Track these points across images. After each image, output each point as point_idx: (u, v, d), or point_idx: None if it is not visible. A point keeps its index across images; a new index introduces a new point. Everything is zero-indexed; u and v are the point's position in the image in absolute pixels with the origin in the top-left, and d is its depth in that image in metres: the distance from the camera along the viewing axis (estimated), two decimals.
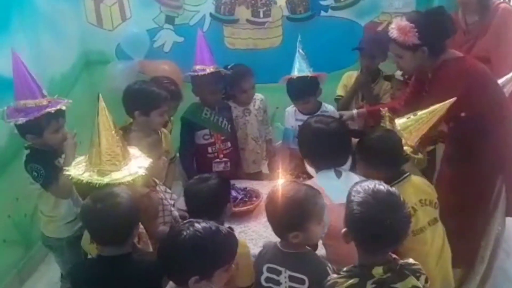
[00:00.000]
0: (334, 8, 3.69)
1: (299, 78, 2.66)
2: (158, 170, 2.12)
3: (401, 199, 1.46)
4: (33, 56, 2.98)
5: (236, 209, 2.31)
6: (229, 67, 2.96)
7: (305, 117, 2.49)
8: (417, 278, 1.46)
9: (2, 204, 2.74)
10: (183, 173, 2.87)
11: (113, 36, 3.79)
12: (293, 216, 1.62)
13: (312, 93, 2.69)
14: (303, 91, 2.68)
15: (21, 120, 2.07)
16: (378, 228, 1.39)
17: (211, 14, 3.74)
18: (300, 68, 2.69)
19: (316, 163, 2.08)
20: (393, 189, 1.49)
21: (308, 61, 2.74)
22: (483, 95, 2.16)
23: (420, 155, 2.02)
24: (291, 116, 2.87)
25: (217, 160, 2.83)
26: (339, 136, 2.07)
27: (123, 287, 1.60)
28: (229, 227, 1.65)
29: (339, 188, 1.79)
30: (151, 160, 1.85)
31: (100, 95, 1.78)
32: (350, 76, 3.21)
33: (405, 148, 1.99)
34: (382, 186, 1.48)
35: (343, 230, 1.51)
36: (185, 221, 1.56)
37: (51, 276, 2.95)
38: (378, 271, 1.42)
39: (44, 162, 2.17)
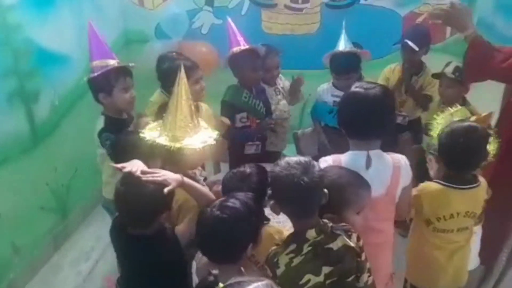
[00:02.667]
0: None
1: (343, 53, 2.74)
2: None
3: (312, 163, 1.52)
4: (77, 32, 3.08)
5: None
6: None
7: (341, 93, 2.28)
8: (349, 237, 1.54)
9: (41, 173, 2.85)
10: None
11: (153, 15, 3.86)
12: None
13: (356, 68, 2.72)
14: (347, 65, 2.71)
15: (93, 75, 2.22)
16: (290, 191, 1.48)
17: None
18: (345, 45, 2.77)
19: (351, 134, 1.82)
20: (308, 159, 1.54)
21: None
22: None
23: None
24: (327, 92, 2.90)
25: (250, 142, 2.84)
26: (379, 103, 1.76)
27: (148, 264, 1.67)
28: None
29: None
30: (217, 132, 1.92)
31: (182, 66, 1.87)
32: (391, 69, 3.17)
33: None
34: (295, 158, 1.55)
35: (271, 202, 1.57)
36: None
37: (84, 244, 3.10)
38: (311, 234, 1.50)
39: (118, 132, 2.23)
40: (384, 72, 3.18)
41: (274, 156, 2.69)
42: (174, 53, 2.70)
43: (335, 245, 1.52)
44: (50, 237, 2.98)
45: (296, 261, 1.51)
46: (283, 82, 3.05)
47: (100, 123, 2.31)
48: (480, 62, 2.18)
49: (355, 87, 1.82)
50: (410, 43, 2.88)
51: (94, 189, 3.40)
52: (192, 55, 3.25)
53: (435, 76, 2.84)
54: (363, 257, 1.58)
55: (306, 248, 1.51)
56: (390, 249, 1.89)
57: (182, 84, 1.83)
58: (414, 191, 1.89)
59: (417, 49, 2.88)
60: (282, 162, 1.53)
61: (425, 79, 3.01)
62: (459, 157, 1.83)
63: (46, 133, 2.86)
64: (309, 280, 1.50)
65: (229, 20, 2.81)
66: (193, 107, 1.86)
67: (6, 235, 2.55)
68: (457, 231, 1.90)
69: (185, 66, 2.39)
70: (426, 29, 2.96)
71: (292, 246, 1.52)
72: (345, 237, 1.54)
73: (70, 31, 3.05)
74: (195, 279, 1.78)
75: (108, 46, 2.35)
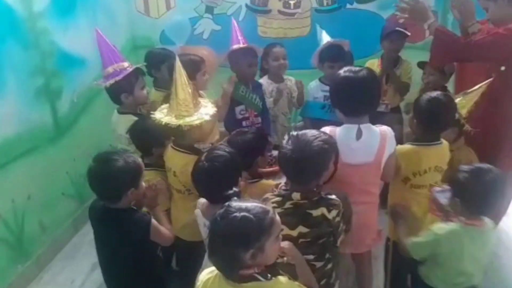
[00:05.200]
0: (359, 1, 4.05)
1: (330, 45, 3.08)
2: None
3: (312, 143, 1.78)
4: (91, 37, 3.41)
5: (264, 170, 2.67)
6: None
7: None
8: (329, 210, 1.79)
9: (62, 162, 3.19)
10: None
11: (158, 23, 4.25)
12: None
13: (342, 58, 3.03)
14: (335, 54, 3.03)
15: (118, 78, 2.47)
16: (289, 162, 1.78)
17: (246, 5, 4.14)
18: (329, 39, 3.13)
19: (345, 111, 2.11)
20: (311, 133, 1.83)
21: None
22: None
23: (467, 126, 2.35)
24: (317, 89, 3.20)
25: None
26: (367, 83, 2.08)
27: (115, 233, 1.94)
28: None
29: (353, 150, 2.05)
30: (216, 109, 2.30)
31: (177, 57, 2.24)
32: (372, 64, 3.51)
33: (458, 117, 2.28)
34: (306, 131, 1.85)
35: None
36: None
37: None
38: (296, 196, 1.79)
39: None
40: (366, 65, 3.52)
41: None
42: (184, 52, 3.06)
43: (315, 212, 1.79)
44: (70, 220, 3.31)
45: (277, 211, 1.75)
46: (291, 82, 3.29)
47: (126, 121, 2.53)
48: (445, 44, 2.48)
49: (345, 72, 2.13)
50: (401, 29, 3.25)
51: None
52: None
53: (420, 65, 3.17)
54: (337, 229, 1.84)
55: (287, 205, 1.80)
56: (376, 208, 2.20)
57: (178, 72, 2.18)
58: None
59: (408, 34, 3.26)
60: (291, 136, 1.83)
61: (402, 70, 3.38)
62: (429, 118, 2.22)
63: (66, 127, 3.21)
64: (282, 230, 1.71)
65: (234, 22, 3.13)
66: (191, 90, 2.21)
67: (35, 214, 2.89)
68: (430, 186, 2.24)
69: (195, 60, 2.78)
70: (404, 27, 3.34)
71: (278, 199, 1.83)
72: (325, 209, 1.80)
73: (86, 36, 3.40)
74: None
75: (118, 49, 2.65)
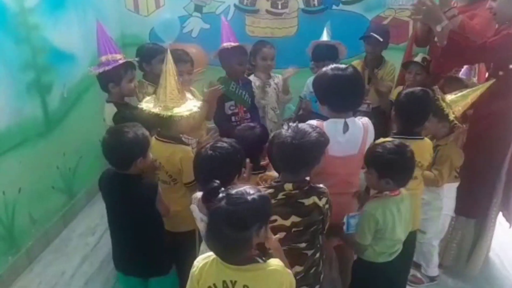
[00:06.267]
0: (344, 3, 4.16)
1: (324, 44, 3.18)
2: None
3: (306, 133, 1.86)
4: (81, 33, 3.49)
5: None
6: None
7: None
8: (319, 198, 1.89)
9: (52, 156, 3.23)
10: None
11: (148, 21, 4.31)
12: None
13: (333, 58, 3.11)
14: (325, 54, 3.13)
15: (108, 68, 2.56)
16: (283, 152, 1.86)
17: (235, 5, 4.23)
18: (327, 38, 3.25)
19: (333, 107, 2.21)
20: (304, 126, 1.91)
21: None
22: None
23: (462, 125, 2.45)
24: (311, 85, 3.30)
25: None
26: (354, 80, 2.21)
27: (126, 196, 2.06)
28: None
29: (340, 143, 2.14)
30: (201, 102, 2.38)
31: (169, 49, 2.33)
32: (356, 64, 3.61)
33: (450, 116, 2.38)
34: (296, 125, 1.93)
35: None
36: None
37: (90, 221, 3.48)
38: (288, 186, 1.87)
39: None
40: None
41: None
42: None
43: (307, 201, 1.87)
44: (60, 213, 3.34)
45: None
46: (278, 78, 3.40)
47: (111, 110, 2.64)
48: (459, 46, 2.49)
49: (332, 70, 2.24)
50: (375, 35, 3.34)
51: (98, 174, 3.80)
52: None
53: (405, 65, 3.25)
54: (326, 217, 1.95)
55: (280, 196, 1.88)
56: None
57: (169, 63, 2.25)
58: None
59: (381, 39, 3.33)
60: (283, 128, 1.91)
61: (385, 71, 3.47)
62: (406, 111, 2.35)
63: (56, 121, 3.24)
64: (275, 220, 1.86)
65: (224, 20, 3.21)
66: (178, 82, 2.28)
67: (25, 207, 2.92)
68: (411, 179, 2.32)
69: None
70: (387, 28, 3.45)
71: (271, 190, 1.89)
72: (316, 198, 1.90)
73: (77, 32, 3.46)
74: None
75: (114, 42, 2.74)
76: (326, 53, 3.15)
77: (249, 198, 1.43)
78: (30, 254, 2.98)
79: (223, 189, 1.48)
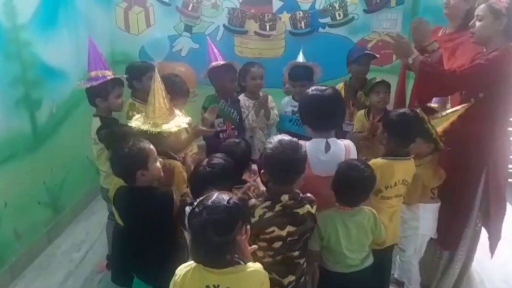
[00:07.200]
0: (330, 26, 4.29)
1: (300, 65, 3.28)
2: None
3: (299, 144, 1.98)
4: (72, 49, 3.54)
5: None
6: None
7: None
8: (312, 206, 2.01)
9: (40, 172, 3.24)
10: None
11: (138, 40, 4.38)
12: None
13: (309, 78, 3.23)
14: (303, 75, 3.23)
15: (95, 83, 2.61)
16: (282, 163, 1.92)
17: (224, 26, 4.32)
18: (302, 59, 3.34)
19: (314, 127, 2.29)
20: (294, 139, 2.00)
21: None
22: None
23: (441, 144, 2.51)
24: (287, 104, 3.39)
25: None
26: (333, 101, 2.30)
27: (131, 205, 2.10)
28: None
29: (323, 162, 2.21)
30: (189, 118, 2.43)
31: (157, 69, 2.39)
32: (339, 87, 3.67)
33: (434, 136, 2.46)
34: (286, 137, 2.01)
35: (262, 171, 2.02)
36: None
37: (75, 237, 3.47)
38: (284, 198, 1.95)
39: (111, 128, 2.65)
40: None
41: None
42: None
43: (302, 210, 1.98)
44: (45, 229, 3.32)
45: (268, 215, 1.95)
46: (269, 99, 3.41)
47: (96, 123, 2.70)
48: (431, 77, 2.57)
49: (312, 91, 2.33)
50: (371, 52, 3.45)
51: (84, 191, 3.82)
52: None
53: (371, 88, 3.20)
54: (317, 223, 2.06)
55: (277, 207, 1.95)
56: None
57: (157, 82, 2.32)
58: None
59: (377, 56, 3.44)
60: (275, 141, 1.98)
61: None
62: (399, 131, 2.40)
63: (45, 136, 3.25)
64: (273, 231, 1.95)
65: (209, 39, 3.30)
66: (166, 99, 2.34)
67: (10, 222, 2.90)
68: (395, 197, 2.41)
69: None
70: (371, 51, 3.54)
71: (267, 203, 1.96)
72: (309, 206, 2.01)
73: (67, 49, 3.51)
74: None
75: (105, 60, 2.79)
76: (303, 74, 3.25)
77: (227, 203, 1.51)
78: (13, 270, 2.96)
79: (195, 203, 1.55)
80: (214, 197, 1.54)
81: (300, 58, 3.36)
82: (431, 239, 2.78)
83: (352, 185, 2.09)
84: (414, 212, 2.64)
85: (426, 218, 2.66)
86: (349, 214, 2.14)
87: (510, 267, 3.25)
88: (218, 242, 1.48)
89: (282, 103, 3.48)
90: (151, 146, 2.15)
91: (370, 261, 2.21)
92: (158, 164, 2.17)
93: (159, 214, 2.06)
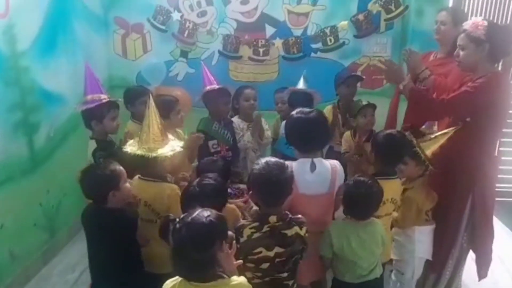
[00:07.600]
0: (322, 51, 4.40)
1: (300, 91, 3.34)
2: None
3: (286, 165, 2.06)
4: (70, 75, 3.65)
5: (232, 201, 2.84)
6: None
7: None
8: (300, 228, 2.05)
9: (37, 194, 3.30)
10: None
11: (135, 65, 4.50)
12: None
13: (308, 105, 3.17)
14: (302, 101, 3.24)
15: (91, 106, 2.72)
16: (269, 183, 1.98)
17: (219, 51, 4.44)
18: (303, 85, 3.41)
19: (299, 148, 2.38)
20: (281, 160, 2.09)
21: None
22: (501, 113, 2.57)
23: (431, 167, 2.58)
24: (283, 127, 3.41)
25: None
26: (317, 123, 2.37)
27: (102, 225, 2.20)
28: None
29: (308, 181, 2.28)
30: (182, 142, 2.52)
31: (151, 95, 2.49)
32: (328, 110, 3.76)
33: (423, 157, 2.53)
34: (273, 158, 2.10)
35: (250, 192, 2.10)
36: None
37: (71, 259, 3.50)
38: (273, 219, 2.00)
39: (107, 151, 2.77)
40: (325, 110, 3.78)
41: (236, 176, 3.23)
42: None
43: (290, 232, 2.03)
44: (40, 251, 3.37)
45: (256, 235, 2.01)
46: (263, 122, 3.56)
47: (92, 145, 2.80)
48: (421, 104, 2.67)
49: (297, 113, 2.42)
50: (357, 74, 3.60)
51: (79, 213, 3.83)
52: None
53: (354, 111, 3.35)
54: (306, 245, 2.09)
55: (265, 228, 2.01)
56: None
57: (151, 107, 2.41)
58: None
59: (363, 77, 3.58)
60: (262, 162, 2.05)
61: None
62: (386, 151, 2.52)
63: (42, 159, 3.33)
64: (261, 252, 2.00)
65: (203, 64, 3.41)
66: (161, 125, 2.43)
67: (6, 243, 2.96)
68: (385, 216, 2.48)
69: (169, 100, 3.03)
70: (359, 75, 3.66)
71: (255, 224, 2.02)
72: (297, 228, 2.04)
73: (65, 75, 3.61)
74: None
75: (101, 84, 2.90)
76: (302, 100, 3.30)
77: (206, 220, 1.57)
78: None
79: (177, 219, 1.62)
80: (195, 214, 1.60)
81: (301, 84, 3.43)
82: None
83: (362, 200, 2.21)
84: (410, 235, 2.68)
85: (422, 241, 2.69)
86: (362, 225, 2.26)
87: (502, 286, 3.27)
88: (197, 258, 1.54)
89: (281, 126, 3.50)
90: (121, 167, 2.26)
91: (379, 272, 2.29)
92: (128, 184, 2.28)
93: (124, 235, 2.18)
